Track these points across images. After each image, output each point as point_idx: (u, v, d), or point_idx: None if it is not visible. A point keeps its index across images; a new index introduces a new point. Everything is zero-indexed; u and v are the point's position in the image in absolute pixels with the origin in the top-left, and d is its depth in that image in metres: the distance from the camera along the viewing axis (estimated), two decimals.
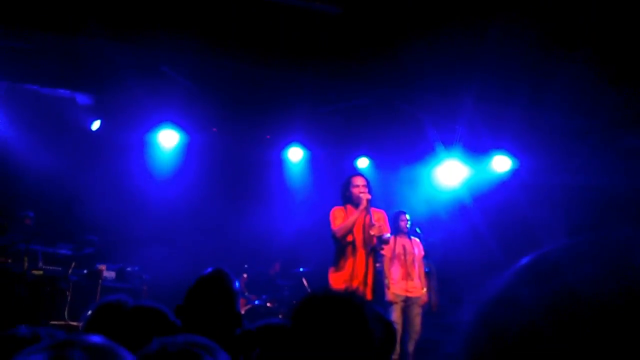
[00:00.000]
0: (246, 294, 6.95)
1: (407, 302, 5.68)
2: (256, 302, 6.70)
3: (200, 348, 1.21)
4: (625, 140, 5.71)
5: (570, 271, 0.46)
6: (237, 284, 2.49)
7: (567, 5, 4.35)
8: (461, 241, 7.70)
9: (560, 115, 5.86)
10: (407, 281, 5.70)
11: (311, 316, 1.45)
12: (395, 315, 5.52)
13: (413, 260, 5.78)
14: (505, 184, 7.34)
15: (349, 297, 1.50)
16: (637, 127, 5.59)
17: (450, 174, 7.55)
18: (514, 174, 7.36)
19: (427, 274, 5.93)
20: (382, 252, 5.41)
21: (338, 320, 1.43)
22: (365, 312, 1.44)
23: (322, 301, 1.49)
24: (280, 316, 6.61)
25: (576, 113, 5.71)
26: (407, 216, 5.93)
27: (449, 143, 7.23)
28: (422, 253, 5.93)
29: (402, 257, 5.77)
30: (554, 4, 4.34)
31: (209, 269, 2.46)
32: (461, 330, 0.51)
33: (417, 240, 5.97)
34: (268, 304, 6.71)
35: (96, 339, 1.20)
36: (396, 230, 5.78)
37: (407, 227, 5.86)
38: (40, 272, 5.53)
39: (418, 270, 5.82)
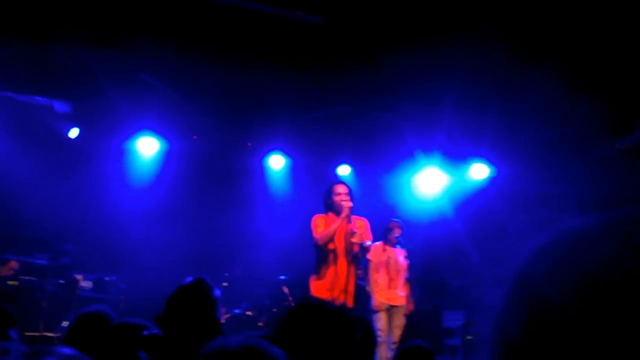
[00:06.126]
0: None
1: (391, 311, 5.70)
2: (236, 311, 6.64)
3: (258, 339, 1.20)
4: (596, 150, 5.86)
5: (593, 251, 0.46)
6: (218, 292, 2.48)
7: (539, 18, 4.47)
8: (440, 248, 7.78)
9: (535, 125, 5.99)
10: (391, 289, 5.72)
11: (296, 327, 1.45)
12: (382, 323, 5.50)
13: (398, 269, 5.80)
14: (483, 192, 7.45)
15: (333, 307, 1.51)
16: (608, 137, 5.74)
17: (429, 182, 7.63)
18: (492, 181, 7.48)
19: (408, 281, 5.96)
20: (369, 257, 5.41)
21: (323, 330, 1.42)
22: (348, 321, 1.45)
23: (307, 312, 1.49)
24: (260, 324, 6.57)
25: (549, 123, 5.84)
26: (399, 225, 5.88)
27: (428, 150, 7.31)
28: (407, 262, 5.93)
29: (388, 265, 5.78)
30: (526, 18, 4.45)
31: (189, 278, 2.45)
32: (491, 314, 0.51)
33: (401, 249, 5.97)
34: (248, 313, 6.66)
35: (67, 350, 1.20)
36: (385, 239, 5.78)
37: (397, 239, 5.82)
38: (16, 283, 5.41)
39: (402, 279, 5.84)
